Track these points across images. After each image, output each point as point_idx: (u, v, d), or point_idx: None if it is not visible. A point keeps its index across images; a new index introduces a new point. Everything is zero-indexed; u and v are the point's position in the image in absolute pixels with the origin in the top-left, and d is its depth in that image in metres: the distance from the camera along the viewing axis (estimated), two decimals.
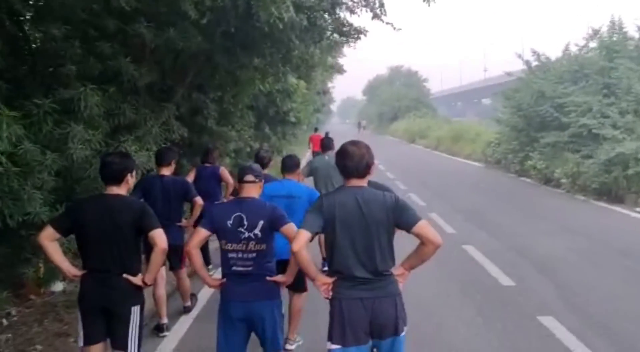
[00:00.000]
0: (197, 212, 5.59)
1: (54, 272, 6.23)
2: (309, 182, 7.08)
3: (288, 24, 6.05)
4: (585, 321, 5.46)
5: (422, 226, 3.02)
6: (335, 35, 8.48)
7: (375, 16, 8.06)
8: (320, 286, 3.11)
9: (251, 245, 3.44)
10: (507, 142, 19.33)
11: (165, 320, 5.43)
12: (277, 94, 14.53)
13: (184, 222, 5.67)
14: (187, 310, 5.91)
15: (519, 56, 18.91)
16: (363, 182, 3.14)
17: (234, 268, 3.47)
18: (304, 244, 3.01)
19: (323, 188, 7.13)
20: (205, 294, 6.31)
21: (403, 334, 3.12)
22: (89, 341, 3.45)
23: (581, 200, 13.08)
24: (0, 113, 4.24)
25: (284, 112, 17.85)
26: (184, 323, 5.68)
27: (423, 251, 3.08)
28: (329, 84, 37.50)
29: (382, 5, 7.94)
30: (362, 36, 8.40)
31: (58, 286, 6.59)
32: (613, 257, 7.89)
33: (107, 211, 3.40)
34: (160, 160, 5.53)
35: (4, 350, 5.02)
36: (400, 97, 60.37)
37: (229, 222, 3.44)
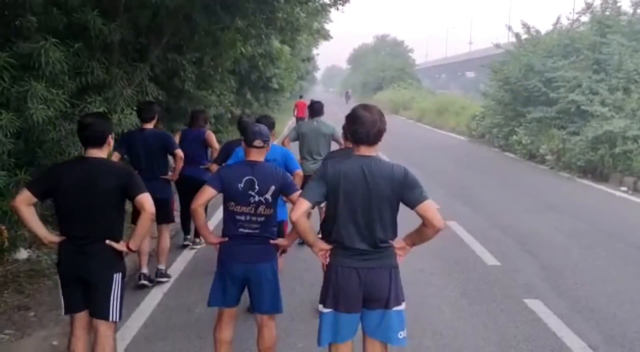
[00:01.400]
0: (179, 164, 5.68)
1: (18, 239, 5.88)
2: (294, 147, 6.76)
3: None
4: (573, 305, 5.28)
5: (426, 207, 2.92)
6: None
7: None
8: (318, 252, 3.08)
9: (261, 209, 3.46)
10: (492, 116, 19.15)
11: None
12: (260, 58, 14.00)
13: (169, 175, 5.72)
14: (159, 274, 5.71)
15: (509, 28, 18.51)
16: (372, 151, 2.99)
17: (241, 230, 3.48)
18: (302, 213, 2.95)
19: (307, 155, 6.81)
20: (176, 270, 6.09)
21: (396, 309, 3.04)
22: (70, 309, 3.37)
23: (565, 177, 12.96)
24: None
25: (267, 78, 17.33)
26: (154, 298, 5.39)
27: (423, 231, 3.02)
28: (314, 51, 36.74)
29: None
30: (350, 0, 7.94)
31: (22, 254, 6.24)
32: (600, 238, 7.73)
33: (89, 175, 3.22)
34: (144, 115, 5.51)
35: None
36: (385, 67, 59.79)
37: (240, 185, 3.44)
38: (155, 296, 5.43)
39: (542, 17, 23.91)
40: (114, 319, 3.36)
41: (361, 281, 2.97)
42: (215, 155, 6.36)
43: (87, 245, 3.26)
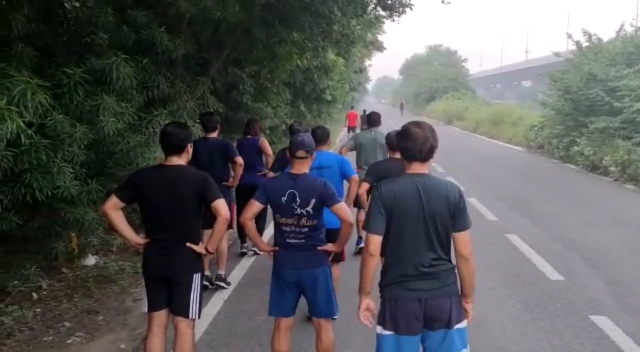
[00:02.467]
0: (239, 171, 5.94)
1: (87, 246, 6.16)
2: (352, 156, 6.80)
3: None
4: None
5: (463, 237, 2.93)
6: (378, 8, 8.02)
7: None
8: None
9: (303, 221, 3.57)
10: (552, 127, 18.61)
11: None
12: (315, 70, 14.15)
13: (230, 181, 5.95)
14: (219, 278, 5.89)
15: (569, 36, 18.01)
16: (425, 168, 2.99)
17: (288, 240, 3.61)
18: (376, 248, 2.89)
19: (364, 164, 6.87)
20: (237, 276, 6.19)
21: (458, 327, 2.96)
22: (153, 307, 3.56)
23: (631, 190, 12.43)
24: (27, 81, 4.03)
25: (321, 90, 17.47)
26: (215, 305, 5.51)
27: (459, 265, 2.98)
28: (367, 62, 36.79)
29: None
30: (407, 10, 7.93)
31: (90, 260, 6.53)
32: None
33: (169, 182, 3.43)
34: (206, 125, 5.81)
35: (32, 325, 4.94)
36: (438, 77, 59.14)
37: (283, 198, 3.55)
38: (216, 303, 5.55)
39: (602, 24, 23.17)
40: (194, 317, 3.56)
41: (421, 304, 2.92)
42: (269, 161, 6.56)
43: (170, 247, 3.48)
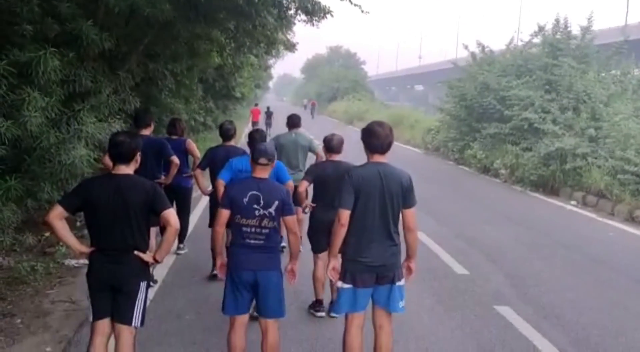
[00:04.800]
0: (173, 170, 6.01)
1: None
2: None
3: None
4: (539, 311, 5.69)
5: (411, 213, 3.77)
6: (299, 12, 8.21)
7: None
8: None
9: (265, 222, 3.76)
10: (447, 131, 19.81)
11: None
12: (227, 68, 14.09)
13: (162, 178, 5.98)
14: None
15: (465, 47, 19.31)
16: (384, 158, 3.73)
17: (247, 241, 3.78)
18: (346, 220, 3.61)
19: (287, 166, 6.96)
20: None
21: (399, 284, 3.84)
22: (98, 316, 3.55)
23: (518, 190, 13.64)
24: None
25: (232, 87, 17.41)
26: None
27: (406, 235, 3.81)
28: (271, 61, 36.86)
29: None
30: (327, 16, 8.19)
31: None
32: (556, 249, 8.27)
33: (118, 191, 3.43)
34: (140, 122, 5.88)
35: None
36: (339, 77, 60.59)
37: (244, 200, 3.74)
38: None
39: (489, 34, 25.03)
40: (136, 324, 3.58)
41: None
42: (196, 163, 6.53)
43: (117, 256, 3.48)
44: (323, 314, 5.26)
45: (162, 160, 6.02)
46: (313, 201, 5.33)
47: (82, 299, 5.25)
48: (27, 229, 6.59)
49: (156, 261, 3.60)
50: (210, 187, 6.03)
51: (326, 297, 5.30)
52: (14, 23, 5.04)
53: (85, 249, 3.57)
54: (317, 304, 5.30)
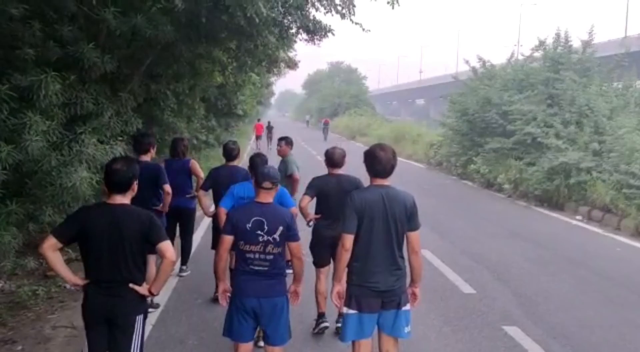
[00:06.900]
0: (167, 199, 5.78)
1: None
2: None
3: (267, 19, 5.80)
4: (549, 331, 5.59)
5: (415, 236, 3.70)
6: (300, 31, 8.24)
7: (344, 16, 7.91)
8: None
9: (269, 248, 3.69)
10: (450, 145, 19.74)
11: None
12: (229, 86, 14.14)
13: (160, 207, 5.76)
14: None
15: (466, 62, 19.33)
16: (387, 181, 3.70)
17: (252, 267, 3.70)
18: (350, 244, 3.58)
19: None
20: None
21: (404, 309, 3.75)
22: (95, 350, 3.44)
23: (523, 205, 13.55)
24: None
25: (234, 105, 17.45)
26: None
27: (411, 258, 3.75)
28: (273, 78, 37.04)
29: (352, 4, 7.79)
30: (329, 35, 8.22)
31: None
32: (563, 264, 8.17)
33: (113, 222, 3.31)
34: (139, 147, 5.71)
35: None
36: (340, 93, 60.82)
37: (248, 225, 3.66)
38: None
39: (489, 47, 25.13)
40: None
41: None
42: (200, 183, 6.46)
43: (112, 288, 3.36)
44: (327, 324, 5.22)
45: (159, 187, 5.85)
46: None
47: (83, 325, 5.17)
48: (29, 252, 6.54)
49: (152, 294, 3.50)
50: (212, 208, 5.97)
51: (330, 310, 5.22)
52: (16, 47, 5.04)
53: (79, 280, 3.44)
54: (320, 317, 5.26)
